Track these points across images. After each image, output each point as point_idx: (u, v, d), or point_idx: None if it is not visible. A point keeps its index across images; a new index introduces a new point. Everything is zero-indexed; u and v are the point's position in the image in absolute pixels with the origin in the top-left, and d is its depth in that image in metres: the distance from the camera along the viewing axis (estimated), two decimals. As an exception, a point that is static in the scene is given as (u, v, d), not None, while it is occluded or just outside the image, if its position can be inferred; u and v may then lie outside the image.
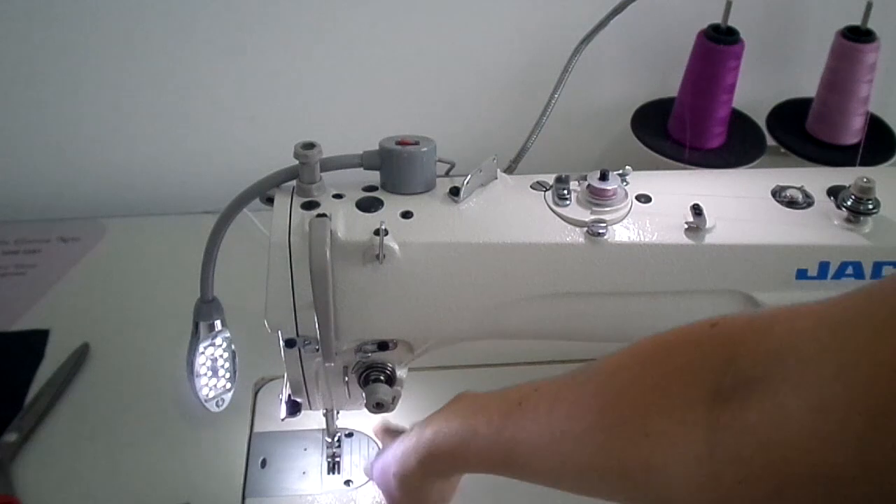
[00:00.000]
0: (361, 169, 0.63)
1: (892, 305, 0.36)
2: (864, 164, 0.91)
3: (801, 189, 0.65)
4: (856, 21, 0.91)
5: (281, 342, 0.63)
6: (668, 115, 0.98)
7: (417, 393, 0.76)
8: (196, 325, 0.68)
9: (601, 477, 0.48)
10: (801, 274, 0.62)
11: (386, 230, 0.58)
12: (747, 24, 0.91)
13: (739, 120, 0.98)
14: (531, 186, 0.65)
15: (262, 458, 0.76)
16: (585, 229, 0.61)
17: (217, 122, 1.03)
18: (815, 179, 0.66)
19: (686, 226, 0.62)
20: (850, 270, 0.62)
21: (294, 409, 0.70)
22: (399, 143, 0.62)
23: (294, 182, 0.62)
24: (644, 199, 0.64)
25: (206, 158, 1.06)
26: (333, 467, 0.75)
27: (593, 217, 0.61)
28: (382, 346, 0.64)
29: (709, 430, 0.41)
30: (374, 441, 0.77)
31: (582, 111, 1.05)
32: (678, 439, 0.42)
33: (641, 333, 0.67)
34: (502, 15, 0.99)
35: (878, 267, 0.62)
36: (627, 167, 0.66)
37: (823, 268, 0.62)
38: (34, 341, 0.87)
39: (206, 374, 0.71)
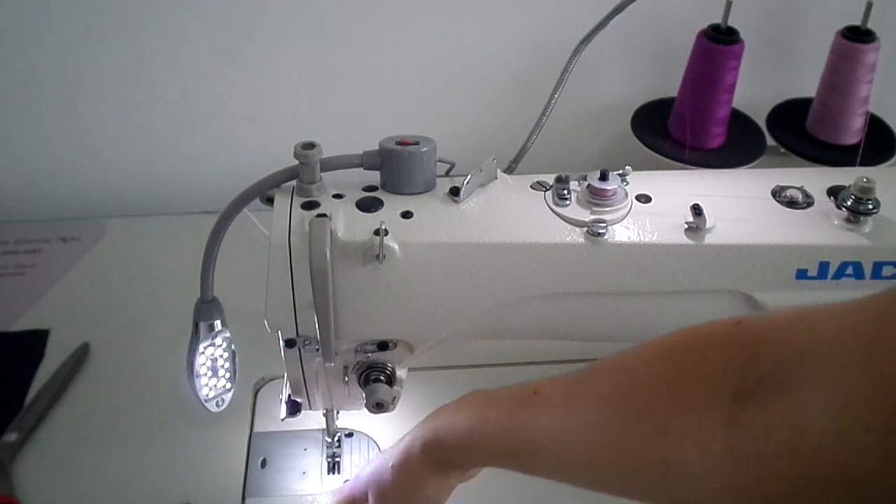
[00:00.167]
0: (361, 169, 0.63)
1: None
2: (864, 164, 0.91)
3: (801, 189, 0.65)
4: (856, 21, 0.91)
5: (281, 342, 0.63)
6: (668, 115, 0.98)
7: (417, 393, 0.76)
8: (196, 325, 0.68)
9: (615, 472, 0.47)
10: (801, 274, 0.62)
11: (386, 230, 0.58)
12: (747, 24, 0.91)
13: (739, 120, 0.98)
14: (531, 186, 0.65)
15: (262, 458, 0.76)
16: (585, 229, 0.61)
17: (217, 123, 1.03)
18: (815, 179, 0.66)
19: (686, 226, 0.62)
20: (850, 270, 0.62)
21: (294, 409, 0.70)
22: (399, 143, 0.62)
23: (294, 182, 0.62)
24: (644, 199, 0.64)
25: (206, 158, 1.06)
26: (333, 467, 0.75)
27: (593, 217, 0.61)
28: (382, 346, 0.64)
29: (728, 428, 0.40)
30: (374, 441, 0.77)
31: (582, 111, 1.05)
32: (697, 437, 0.42)
33: (641, 333, 0.67)
34: (502, 15, 0.99)
35: (878, 267, 0.62)
36: (627, 167, 0.66)
37: (823, 268, 0.62)
38: (34, 341, 0.87)
39: (206, 374, 0.71)
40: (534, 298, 0.62)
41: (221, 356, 0.71)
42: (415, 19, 0.98)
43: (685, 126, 0.93)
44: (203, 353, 0.69)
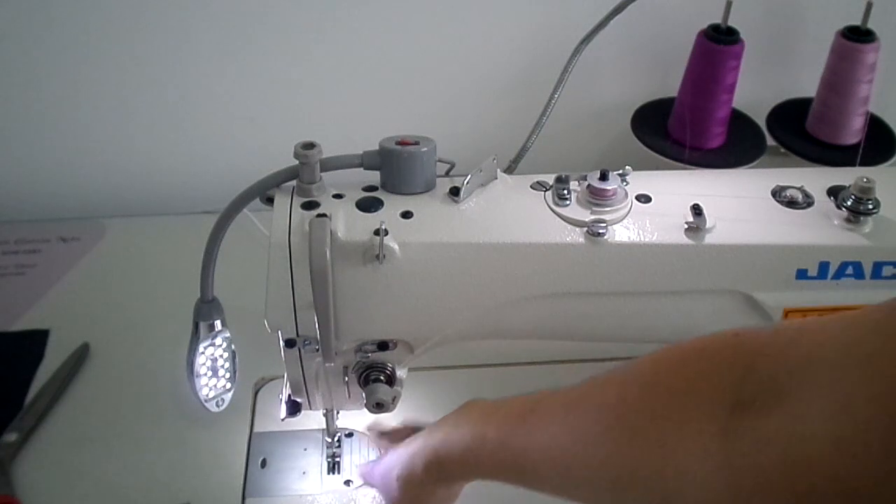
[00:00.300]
0: (361, 169, 0.63)
1: None
2: (864, 164, 0.91)
3: (801, 189, 0.65)
4: (856, 21, 0.91)
5: (281, 342, 0.63)
6: (668, 115, 0.98)
7: (417, 393, 0.76)
8: (196, 325, 0.68)
9: (613, 486, 0.47)
10: (801, 274, 0.62)
11: (386, 230, 0.58)
12: (747, 24, 0.91)
13: (739, 120, 0.98)
14: (531, 186, 0.65)
15: (262, 458, 0.76)
16: (585, 229, 0.61)
17: (217, 123, 1.03)
18: (815, 179, 0.66)
19: (686, 226, 0.62)
20: (850, 270, 0.62)
21: (294, 409, 0.70)
22: (399, 143, 0.62)
23: (294, 182, 0.62)
24: (644, 199, 0.64)
25: (206, 158, 1.06)
26: (333, 467, 0.75)
27: (593, 217, 0.61)
28: (382, 346, 0.64)
29: (727, 439, 0.40)
30: (374, 441, 0.77)
31: (582, 111, 1.05)
32: (695, 450, 0.42)
33: (641, 333, 0.67)
34: (502, 15, 0.99)
35: (878, 267, 0.62)
36: (627, 167, 0.66)
37: (823, 268, 0.62)
38: (34, 341, 0.87)
39: (206, 374, 0.71)
40: (534, 298, 0.62)
41: (221, 356, 0.71)
42: (415, 19, 0.98)
43: (685, 126, 0.93)
44: (203, 353, 0.69)
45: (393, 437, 0.73)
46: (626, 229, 0.62)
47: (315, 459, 0.76)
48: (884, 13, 0.89)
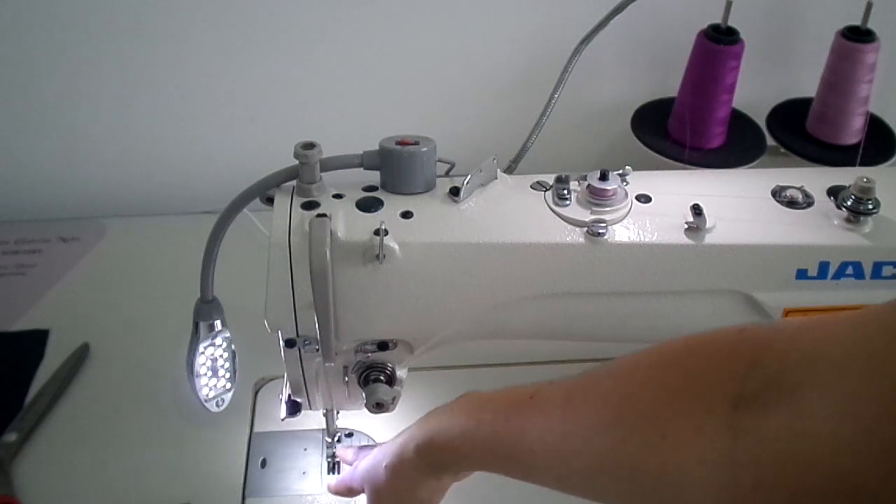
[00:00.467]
0: (361, 169, 0.63)
1: None
2: (864, 164, 0.91)
3: (801, 189, 0.65)
4: (856, 21, 0.90)
5: (281, 342, 0.63)
6: (668, 115, 0.98)
7: (417, 393, 0.76)
8: (196, 325, 0.68)
9: (611, 478, 0.46)
10: (801, 274, 0.62)
11: (386, 230, 0.58)
12: (747, 24, 0.91)
13: (739, 120, 0.98)
14: (531, 186, 0.65)
15: (262, 458, 0.76)
16: (585, 229, 0.61)
17: (217, 122, 1.03)
18: (815, 179, 0.66)
19: (686, 226, 0.62)
20: (850, 270, 0.62)
21: (294, 409, 0.70)
22: (399, 143, 0.62)
23: (294, 182, 0.62)
24: (644, 199, 0.64)
25: (206, 158, 1.06)
26: (333, 467, 0.75)
27: (593, 217, 0.61)
28: (382, 346, 0.64)
29: (729, 435, 0.40)
30: (375, 441, 0.77)
31: (582, 111, 1.05)
32: (696, 444, 0.41)
33: (641, 333, 0.67)
34: (502, 15, 0.99)
35: (878, 267, 0.62)
36: (627, 167, 0.66)
37: (823, 268, 0.62)
38: (34, 341, 0.87)
39: (206, 374, 0.71)
40: (534, 298, 0.62)
41: (221, 356, 0.71)
42: (415, 19, 0.98)
43: (685, 126, 0.93)
44: (203, 353, 0.70)
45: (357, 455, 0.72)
46: (626, 229, 0.62)
47: (315, 459, 0.76)
48: (884, 13, 0.89)
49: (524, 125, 0.70)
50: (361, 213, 0.61)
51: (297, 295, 0.60)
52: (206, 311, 0.67)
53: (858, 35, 0.90)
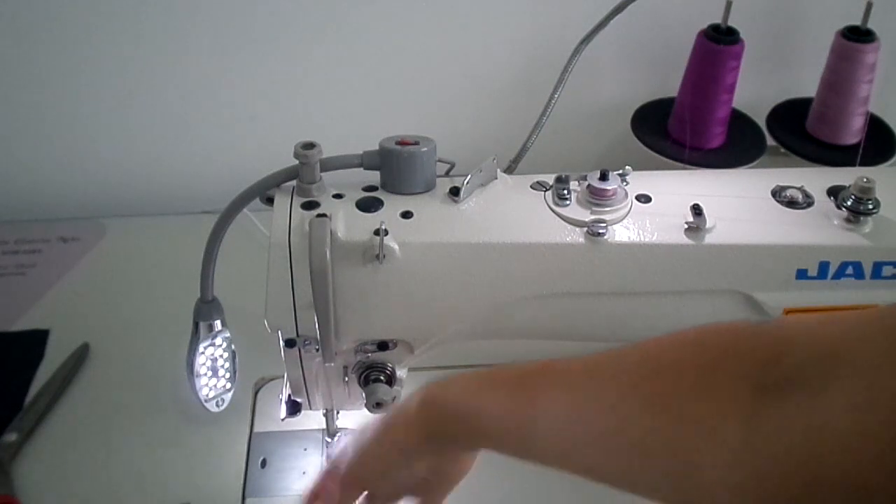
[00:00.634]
0: (361, 169, 0.63)
1: None
2: (864, 164, 0.91)
3: (801, 189, 0.65)
4: (856, 21, 0.90)
5: (281, 342, 0.63)
6: (668, 115, 0.98)
7: (417, 393, 0.76)
8: (196, 325, 0.68)
9: (620, 454, 0.45)
10: (801, 274, 0.62)
11: (386, 230, 0.58)
12: (747, 24, 0.91)
13: (739, 120, 0.98)
14: (531, 186, 0.65)
15: (262, 458, 0.76)
16: (585, 229, 0.61)
17: (217, 122, 1.03)
18: (815, 179, 0.66)
19: (686, 226, 0.62)
20: (850, 270, 0.62)
21: (294, 409, 0.70)
22: (399, 143, 0.62)
23: (294, 182, 0.62)
24: (644, 199, 0.64)
25: (206, 158, 1.06)
26: (333, 467, 0.75)
27: (593, 217, 0.61)
28: (382, 346, 0.64)
29: (746, 421, 0.40)
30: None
31: (582, 111, 1.05)
32: (712, 426, 0.41)
33: (641, 333, 0.67)
34: (502, 15, 0.99)
35: (878, 267, 0.62)
36: (627, 167, 0.66)
37: (823, 268, 0.62)
38: (34, 341, 0.87)
39: (206, 374, 0.71)
40: (534, 298, 0.62)
41: (221, 356, 0.71)
42: (415, 19, 0.98)
43: (685, 126, 0.93)
44: (203, 353, 0.70)
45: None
46: (626, 229, 0.62)
47: (315, 459, 0.76)
48: (884, 13, 0.89)
49: (524, 125, 0.70)
50: (361, 213, 0.61)
51: (297, 295, 0.60)
52: (206, 311, 0.67)
53: (858, 35, 0.90)
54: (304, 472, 0.75)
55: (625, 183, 0.64)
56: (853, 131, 0.94)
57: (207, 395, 0.72)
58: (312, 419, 0.76)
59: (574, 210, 0.62)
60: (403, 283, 0.60)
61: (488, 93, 1.04)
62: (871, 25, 0.90)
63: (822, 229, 0.63)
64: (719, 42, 0.90)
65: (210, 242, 0.64)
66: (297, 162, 0.61)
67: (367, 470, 0.57)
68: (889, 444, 0.34)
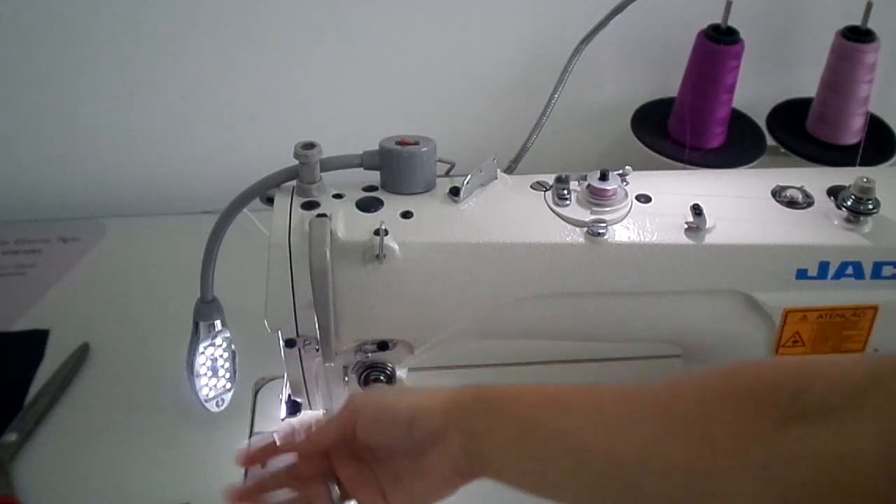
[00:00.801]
0: (361, 169, 0.63)
1: None
2: (864, 164, 0.91)
3: (801, 189, 0.65)
4: (856, 21, 0.90)
5: (281, 342, 0.63)
6: (668, 115, 0.98)
7: (417, 393, 0.76)
8: (196, 325, 0.68)
9: (641, 471, 0.45)
10: (801, 274, 0.62)
11: (386, 230, 0.58)
12: (747, 24, 0.91)
13: (739, 120, 0.98)
14: (531, 186, 0.65)
15: (262, 458, 0.76)
16: (585, 229, 0.61)
17: (217, 122, 1.03)
18: (815, 179, 0.66)
19: (686, 226, 0.62)
20: (850, 270, 0.62)
21: (294, 409, 0.70)
22: (399, 143, 0.62)
23: (294, 182, 0.62)
24: (644, 199, 0.64)
25: (206, 158, 1.06)
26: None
27: (593, 217, 0.61)
28: (382, 346, 0.64)
29: (770, 448, 0.40)
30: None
31: (582, 111, 1.05)
32: (734, 450, 0.41)
33: (641, 333, 0.67)
34: (502, 15, 0.99)
35: (878, 267, 0.62)
36: (627, 167, 0.66)
37: (823, 268, 0.62)
38: (34, 341, 0.87)
39: (206, 374, 0.71)
40: (534, 298, 0.62)
41: (221, 356, 0.71)
42: (415, 19, 0.98)
43: (685, 126, 0.93)
44: (203, 353, 0.70)
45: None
46: (626, 229, 0.62)
47: (315, 459, 0.76)
48: (884, 13, 0.89)
49: (524, 125, 0.70)
50: (361, 213, 0.61)
51: (297, 295, 0.60)
52: (206, 311, 0.67)
53: (858, 35, 0.90)
54: (304, 472, 0.75)
55: (625, 183, 0.64)
56: (853, 131, 0.94)
57: (207, 395, 0.72)
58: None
59: (574, 210, 0.62)
60: (403, 283, 0.60)
61: (488, 93, 1.04)
62: (871, 25, 0.90)
63: (822, 229, 0.63)
64: (719, 42, 0.90)
65: (210, 242, 0.64)
66: (297, 162, 0.61)
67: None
68: None
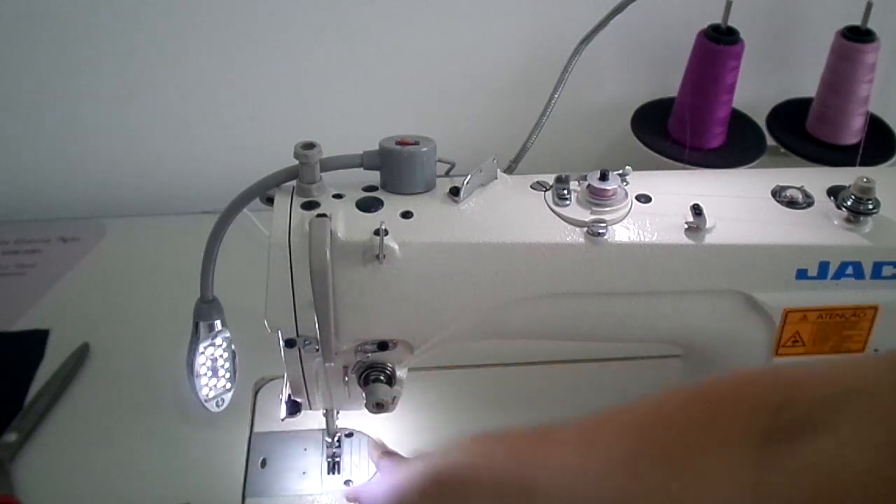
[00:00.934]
0: (361, 169, 0.63)
1: None
2: (864, 164, 0.91)
3: (801, 189, 0.65)
4: (856, 21, 0.91)
5: (281, 342, 0.63)
6: (668, 115, 0.98)
7: (417, 393, 0.76)
8: (196, 325, 0.68)
9: None
10: (801, 274, 0.62)
11: (386, 230, 0.58)
12: (747, 24, 0.91)
13: (739, 120, 0.98)
14: (531, 186, 0.65)
15: (262, 458, 0.76)
16: (585, 229, 0.61)
17: (217, 122, 1.03)
18: (815, 179, 0.66)
19: (686, 226, 0.62)
20: (850, 270, 0.62)
21: (294, 409, 0.70)
22: (399, 143, 0.62)
23: (294, 182, 0.62)
24: (644, 199, 0.64)
25: (206, 158, 1.06)
26: (333, 467, 0.75)
27: (593, 217, 0.61)
28: (382, 346, 0.64)
29: (755, 470, 0.40)
30: (374, 441, 0.77)
31: (582, 111, 1.05)
32: (720, 477, 0.41)
33: (641, 333, 0.67)
34: (502, 15, 0.99)
35: (878, 267, 0.62)
36: (627, 167, 0.66)
37: (823, 268, 0.62)
38: (34, 341, 0.87)
39: (206, 374, 0.71)
40: (534, 298, 0.62)
41: (221, 356, 0.71)
42: (415, 19, 0.98)
43: (685, 126, 0.93)
44: (203, 353, 0.70)
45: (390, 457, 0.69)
46: (626, 229, 0.62)
47: (315, 459, 0.76)
48: (884, 13, 0.89)
49: (524, 125, 0.70)
50: (361, 213, 0.61)
51: (297, 295, 0.60)
52: (206, 311, 0.67)
53: (858, 35, 0.90)
54: (304, 472, 0.75)
55: (625, 183, 0.64)
56: (853, 131, 0.94)
57: (207, 395, 0.72)
58: (312, 419, 0.76)
59: (574, 210, 0.62)
60: (403, 283, 0.60)
61: (488, 93, 1.04)
62: (871, 25, 0.90)
63: (822, 229, 0.63)
64: (719, 42, 0.90)
65: (210, 242, 0.63)
66: (297, 162, 0.61)
67: None
68: None
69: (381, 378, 0.65)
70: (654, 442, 0.45)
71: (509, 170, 0.69)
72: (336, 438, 0.75)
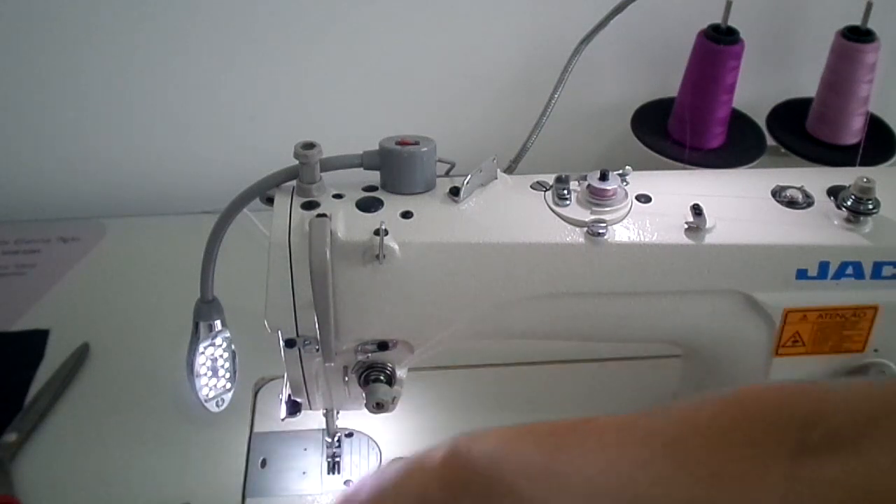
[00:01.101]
0: (361, 169, 0.63)
1: None
2: (864, 164, 0.91)
3: (801, 189, 0.65)
4: (856, 21, 0.91)
5: (281, 342, 0.63)
6: (668, 115, 0.98)
7: (417, 393, 0.76)
8: (196, 325, 0.68)
9: None
10: (801, 274, 0.62)
11: (386, 230, 0.58)
12: (747, 24, 0.91)
13: (739, 120, 0.98)
14: (531, 186, 0.65)
15: (262, 458, 0.76)
16: (585, 229, 0.61)
17: (217, 122, 1.03)
18: (815, 179, 0.66)
19: (686, 226, 0.62)
20: (850, 270, 0.62)
21: (294, 409, 0.70)
22: (399, 143, 0.62)
23: (294, 182, 0.62)
24: (644, 199, 0.64)
25: (206, 158, 1.06)
26: (333, 467, 0.75)
27: (593, 217, 0.61)
28: (382, 346, 0.64)
29: (786, 481, 0.39)
30: (374, 441, 0.77)
31: (582, 111, 1.05)
32: (749, 485, 0.40)
33: (641, 333, 0.67)
34: (502, 15, 0.99)
35: (878, 267, 0.62)
36: (627, 167, 0.66)
37: (823, 268, 0.62)
38: (34, 341, 0.87)
39: (206, 374, 0.71)
40: (534, 298, 0.62)
41: (221, 356, 0.71)
42: (415, 19, 0.98)
43: (685, 126, 0.93)
44: (203, 353, 0.70)
45: None
46: (626, 229, 0.62)
47: (315, 459, 0.76)
48: (884, 13, 0.89)
49: (524, 125, 0.70)
50: (361, 213, 0.61)
51: (297, 295, 0.60)
52: (206, 311, 0.67)
53: (858, 35, 0.90)
54: (304, 472, 0.75)
55: (625, 183, 0.64)
56: (853, 131, 0.94)
57: (207, 395, 0.72)
58: (312, 419, 0.76)
59: (574, 210, 0.62)
60: (403, 283, 0.60)
61: (488, 93, 1.04)
62: (871, 25, 0.90)
63: (822, 229, 0.63)
64: (719, 42, 0.90)
65: (210, 242, 0.63)
66: (297, 162, 0.61)
67: None
68: None
69: (381, 378, 0.65)
70: (684, 446, 0.44)
71: (509, 170, 0.69)
72: (336, 438, 0.75)
